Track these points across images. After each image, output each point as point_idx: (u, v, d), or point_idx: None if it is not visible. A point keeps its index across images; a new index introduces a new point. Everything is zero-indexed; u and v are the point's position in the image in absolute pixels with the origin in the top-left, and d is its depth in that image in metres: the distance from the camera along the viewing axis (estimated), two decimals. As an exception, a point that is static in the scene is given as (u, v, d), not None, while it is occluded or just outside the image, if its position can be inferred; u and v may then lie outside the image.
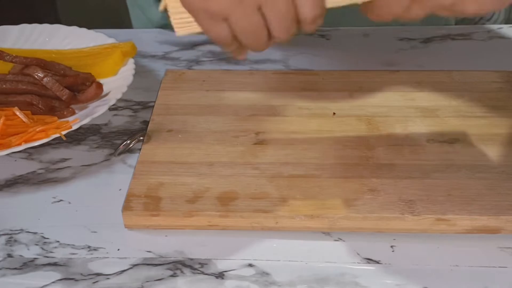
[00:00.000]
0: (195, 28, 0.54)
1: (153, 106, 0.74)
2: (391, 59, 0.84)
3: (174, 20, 0.54)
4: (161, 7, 0.54)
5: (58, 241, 0.60)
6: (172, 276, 0.57)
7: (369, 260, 0.58)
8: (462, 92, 0.75)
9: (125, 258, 0.58)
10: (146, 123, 0.73)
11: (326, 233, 0.60)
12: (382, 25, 0.91)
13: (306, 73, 0.80)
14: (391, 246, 0.59)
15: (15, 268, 0.58)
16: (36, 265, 0.58)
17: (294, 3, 0.51)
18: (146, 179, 0.63)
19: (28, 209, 0.64)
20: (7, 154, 0.67)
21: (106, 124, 0.74)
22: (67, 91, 0.74)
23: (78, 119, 0.70)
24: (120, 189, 0.65)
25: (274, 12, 0.51)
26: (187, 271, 0.57)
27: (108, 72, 0.79)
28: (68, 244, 0.60)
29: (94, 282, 0.56)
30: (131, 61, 0.79)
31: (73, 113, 0.72)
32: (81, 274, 0.57)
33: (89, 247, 0.60)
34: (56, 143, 0.71)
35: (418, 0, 0.52)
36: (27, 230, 0.61)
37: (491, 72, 0.78)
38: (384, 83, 0.76)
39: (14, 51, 0.80)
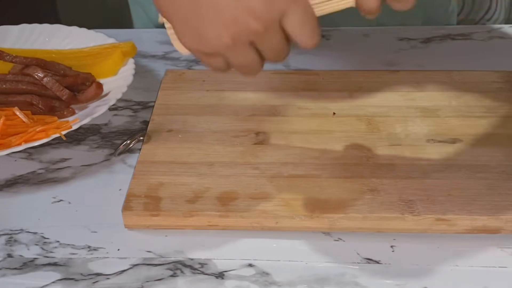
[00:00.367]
0: None
1: (153, 106, 0.74)
2: (391, 59, 0.84)
3: (174, 42, 0.55)
4: (160, 19, 0.55)
5: (58, 241, 0.60)
6: (172, 276, 0.57)
7: (369, 260, 0.58)
8: (462, 92, 0.74)
9: (125, 258, 0.58)
10: (146, 123, 0.73)
11: (326, 233, 0.60)
12: (382, 25, 0.91)
13: (306, 73, 0.80)
14: (391, 246, 0.59)
15: (15, 268, 0.58)
16: (36, 265, 0.58)
17: (289, 36, 0.52)
18: (146, 179, 0.63)
19: (28, 209, 0.64)
20: (7, 154, 0.67)
21: (106, 124, 0.74)
22: (67, 91, 0.74)
23: (78, 119, 0.70)
24: (120, 189, 0.65)
25: (267, 49, 0.52)
26: (187, 271, 0.57)
27: (108, 72, 0.79)
28: (68, 244, 0.60)
29: (94, 282, 0.56)
30: (131, 61, 0.79)
31: (73, 113, 0.72)
32: (81, 274, 0.57)
33: (89, 247, 0.60)
34: (56, 143, 0.71)
35: None
36: (27, 230, 0.61)
37: (491, 72, 0.78)
38: (384, 83, 0.76)
39: (14, 51, 0.80)
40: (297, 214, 0.59)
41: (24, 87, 0.74)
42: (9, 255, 0.59)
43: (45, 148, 0.71)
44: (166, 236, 0.60)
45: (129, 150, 0.70)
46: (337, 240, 0.60)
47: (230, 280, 0.56)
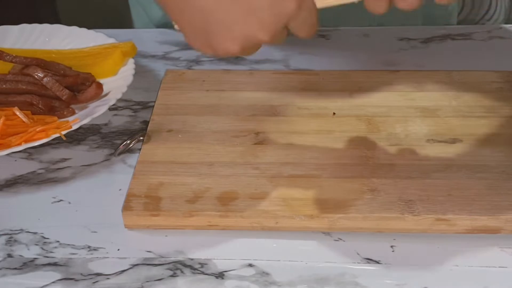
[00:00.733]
0: None
1: (153, 106, 0.74)
2: (391, 59, 0.84)
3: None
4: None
5: (58, 241, 0.60)
6: (172, 276, 0.57)
7: (369, 260, 0.58)
8: (462, 92, 0.75)
9: (125, 258, 0.58)
10: (146, 123, 0.73)
11: (326, 233, 0.60)
12: (382, 25, 0.91)
13: (306, 73, 0.80)
14: (391, 246, 0.59)
15: (15, 268, 0.58)
16: (36, 265, 0.58)
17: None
18: (146, 179, 0.63)
19: (28, 209, 0.64)
20: (7, 154, 0.67)
21: (106, 124, 0.74)
22: (67, 91, 0.74)
23: (78, 119, 0.70)
24: (120, 189, 0.65)
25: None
26: (187, 271, 0.57)
27: (108, 72, 0.79)
28: (68, 244, 0.60)
29: (94, 282, 0.56)
30: (131, 61, 0.79)
31: (73, 113, 0.72)
32: (81, 274, 0.57)
33: (89, 247, 0.60)
34: (56, 143, 0.71)
35: None
36: (27, 230, 0.61)
37: (491, 72, 0.78)
38: (384, 83, 0.76)
39: (14, 51, 0.80)
40: (297, 214, 0.59)
41: (24, 87, 0.74)
42: (9, 255, 0.59)
43: (45, 148, 0.71)
44: (166, 236, 0.60)
45: (129, 150, 0.70)
46: (337, 240, 0.60)
47: (230, 280, 0.56)
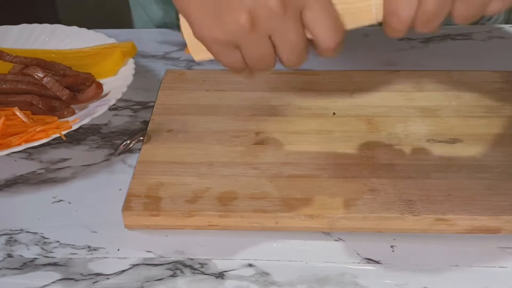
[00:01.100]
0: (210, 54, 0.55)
1: (153, 106, 0.74)
2: (391, 59, 0.84)
3: (190, 47, 0.55)
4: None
5: (58, 241, 0.60)
6: (172, 276, 0.57)
7: (369, 260, 0.58)
8: (462, 92, 0.75)
9: (125, 258, 0.58)
10: (146, 123, 0.73)
11: (326, 233, 0.60)
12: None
13: (306, 73, 0.80)
14: (391, 246, 0.59)
15: (15, 268, 0.58)
16: (36, 265, 0.58)
17: (308, 31, 0.51)
18: (146, 179, 0.63)
19: (28, 209, 0.64)
20: (7, 154, 0.67)
21: (106, 124, 0.74)
22: (67, 91, 0.74)
23: (78, 119, 0.70)
24: (120, 189, 0.65)
25: (284, 42, 0.51)
26: (187, 271, 0.57)
27: (108, 72, 0.79)
28: (68, 244, 0.60)
29: (94, 282, 0.56)
30: (131, 61, 0.79)
31: (73, 113, 0.72)
32: (81, 274, 0.57)
33: (89, 247, 0.60)
34: (56, 143, 0.71)
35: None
36: (27, 230, 0.61)
37: (491, 72, 0.78)
38: (384, 83, 0.76)
39: (14, 51, 0.80)
40: (297, 214, 0.59)
41: (24, 87, 0.74)
42: (9, 255, 0.59)
43: (45, 148, 0.71)
44: (166, 236, 0.60)
45: (129, 150, 0.70)
46: (337, 240, 0.60)
47: (230, 280, 0.56)
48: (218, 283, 0.56)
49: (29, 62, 0.77)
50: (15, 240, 0.61)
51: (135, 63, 0.79)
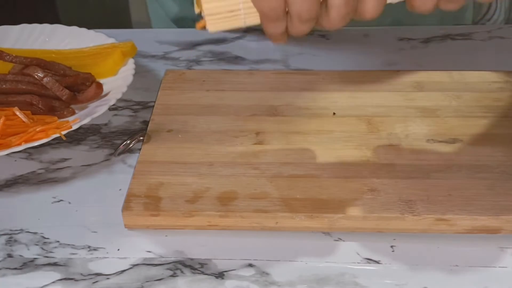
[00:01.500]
0: (228, 24, 0.55)
1: (153, 106, 0.74)
2: (391, 59, 0.84)
3: (208, 17, 0.54)
4: (195, 9, 0.55)
5: (58, 241, 0.60)
6: (172, 276, 0.57)
7: (369, 260, 0.58)
8: (462, 92, 0.75)
9: (125, 258, 0.58)
10: (146, 123, 0.73)
11: (326, 233, 0.60)
12: (382, 25, 0.91)
13: (306, 73, 0.80)
14: (391, 246, 0.59)
15: (15, 268, 0.58)
16: (36, 265, 0.58)
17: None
18: (146, 179, 0.63)
19: (28, 209, 0.64)
20: (7, 154, 0.67)
21: (106, 124, 0.74)
22: (67, 91, 0.74)
23: (78, 119, 0.70)
24: (120, 189, 0.65)
25: None
26: (187, 271, 0.57)
27: (108, 72, 0.79)
28: (68, 244, 0.60)
29: (94, 282, 0.56)
30: (131, 61, 0.79)
31: (73, 113, 0.72)
32: (81, 274, 0.57)
33: (89, 247, 0.60)
34: (56, 143, 0.71)
35: None
36: (27, 230, 0.61)
37: (491, 72, 0.78)
38: (384, 83, 0.76)
39: (14, 51, 0.80)
40: (297, 214, 0.59)
41: (24, 87, 0.74)
42: (9, 255, 0.59)
43: (45, 148, 0.71)
44: (166, 236, 0.60)
45: (129, 150, 0.70)
46: (337, 240, 0.60)
47: (230, 280, 0.56)
48: (218, 283, 0.56)
49: (29, 62, 0.77)
50: (15, 240, 0.61)
51: (135, 63, 0.79)
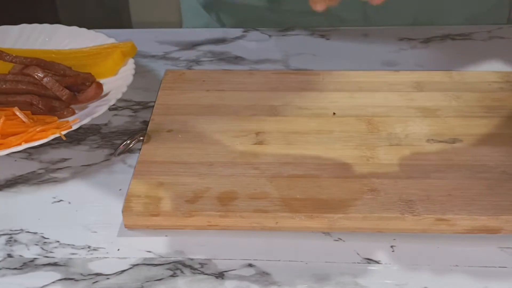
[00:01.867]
0: None
1: (153, 106, 0.74)
2: (391, 59, 0.84)
3: None
4: None
5: (58, 241, 0.60)
6: (172, 276, 0.57)
7: (369, 260, 0.58)
8: (462, 92, 0.75)
9: (125, 258, 0.58)
10: (146, 123, 0.73)
11: (326, 233, 0.60)
12: (382, 25, 0.91)
13: (306, 73, 0.80)
14: (391, 246, 0.59)
15: (15, 268, 0.58)
16: (36, 265, 0.58)
17: None
18: (146, 179, 0.63)
19: (28, 209, 0.64)
20: (7, 154, 0.67)
21: (106, 124, 0.75)
22: (67, 91, 0.74)
23: (78, 119, 0.70)
24: (120, 189, 0.65)
25: None
26: (187, 271, 0.57)
27: (108, 72, 0.79)
28: (68, 244, 0.60)
29: (94, 282, 0.56)
30: (131, 61, 0.79)
31: (73, 113, 0.72)
32: (81, 274, 0.57)
33: (89, 247, 0.60)
34: (56, 143, 0.71)
35: None
36: (27, 230, 0.61)
37: (491, 72, 0.78)
38: (384, 83, 0.76)
39: (14, 51, 0.80)
40: (297, 214, 0.59)
41: (24, 87, 0.74)
42: (9, 255, 0.59)
43: (45, 148, 0.71)
44: (166, 236, 0.60)
45: (129, 150, 0.70)
46: (337, 240, 0.60)
47: (230, 280, 0.56)
48: (218, 283, 0.56)
49: (29, 62, 0.77)
50: (15, 240, 0.61)
51: (135, 63, 0.79)
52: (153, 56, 0.87)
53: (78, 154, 0.70)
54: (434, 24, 0.91)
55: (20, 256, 0.59)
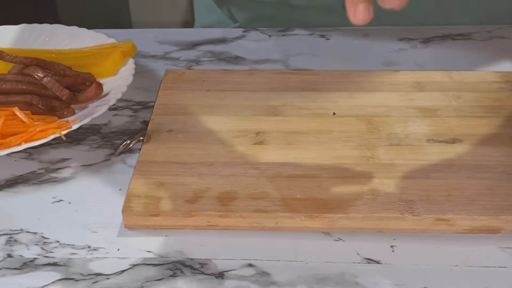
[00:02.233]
0: None
1: (153, 106, 0.74)
2: (391, 59, 0.84)
3: None
4: None
5: (58, 241, 0.60)
6: (172, 276, 0.57)
7: (369, 260, 0.58)
8: (462, 92, 0.75)
9: (125, 258, 0.58)
10: (146, 123, 0.73)
11: (326, 233, 0.60)
12: (382, 25, 0.91)
13: (306, 73, 0.80)
14: (391, 246, 0.59)
15: (15, 268, 0.58)
16: (36, 265, 0.58)
17: None
18: (146, 179, 0.63)
19: (28, 209, 0.64)
20: (7, 154, 0.67)
21: (106, 124, 0.74)
22: (67, 91, 0.74)
23: (78, 119, 0.70)
24: (120, 189, 0.65)
25: None
26: (187, 271, 0.57)
27: (108, 72, 0.79)
28: (68, 244, 0.60)
29: (94, 282, 0.56)
30: (131, 61, 0.79)
31: (73, 113, 0.72)
32: (81, 274, 0.57)
33: (89, 247, 0.60)
34: (56, 143, 0.71)
35: None
36: (27, 230, 0.61)
37: (491, 72, 0.78)
38: (384, 83, 0.76)
39: (14, 51, 0.80)
40: (297, 214, 0.59)
41: (24, 87, 0.74)
42: (9, 255, 0.59)
43: (45, 148, 0.71)
44: (166, 236, 0.60)
45: (129, 150, 0.70)
46: (337, 240, 0.60)
47: (230, 280, 0.56)
48: (218, 283, 0.56)
49: (29, 62, 0.77)
50: (15, 240, 0.61)
51: (135, 63, 0.79)
52: (153, 56, 0.87)
53: (78, 154, 0.70)
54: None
55: (20, 256, 0.59)
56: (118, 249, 0.59)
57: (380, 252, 0.58)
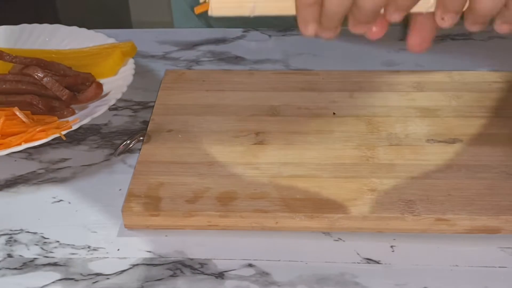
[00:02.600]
0: (234, 10, 0.52)
1: (153, 106, 0.74)
2: (391, 59, 0.84)
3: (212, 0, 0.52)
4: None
5: (58, 241, 0.60)
6: (172, 276, 0.57)
7: (369, 260, 0.58)
8: (462, 92, 0.75)
9: (125, 258, 0.58)
10: (146, 123, 0.73)
11: (326, 233, 0.60)
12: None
13: (306, 73, 0.80)
14: (391, 246, 0.59)
15: (15, 268, 0.58)
16: (36, 265, 0.58)
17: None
18: (146, 179, 0.63)
19: (28, 209, 0.64)
20: (7, 154, 0.67)
21: (106, 124, 0.74)
22: (67, 91, 0.74)
23: (78, 119, 0.70)
24: (120, 189, 0.65)
25: None
26: (187, 271, 0.57)
27: (108, 72, 0.79)
28: (68, 244, 0.60)
29: (94, 282, 0.56)
30: (131, 61, 0.79)
31: (73, 113, 0.72)
32: (81, 274, 0.57)
33: (89, 247, 0.60)
34: (56, 143, 0.71)
35: None
36: (27, 230, 0.61)
37: (491, 72, 0.78)
38: (384, 83, 0.76)
39: (14, 51, 0.80)
40: (297, 214, 0.59)
41: (24, 87, 0.74)
42: (9, 255, 0.59)
43: (45, 148, 0.71)
44: (166, 236, 0.60)
45: (129, 150, 0.70)
46: (337, 240, 0.60)
47: (230, 280, 0.56)
48: (218, 283, 0.56)
49: (29, 62, 0.77)
50: (15, 240, 0.61)
51: (135, 63, 0.79)
52: (153, 56, 0.87)
53: (78, 154, 0.70)
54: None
55: (20, 256, 0.59)
56: (118, 249, 0.59)
57: (380, 252, 0.58)
